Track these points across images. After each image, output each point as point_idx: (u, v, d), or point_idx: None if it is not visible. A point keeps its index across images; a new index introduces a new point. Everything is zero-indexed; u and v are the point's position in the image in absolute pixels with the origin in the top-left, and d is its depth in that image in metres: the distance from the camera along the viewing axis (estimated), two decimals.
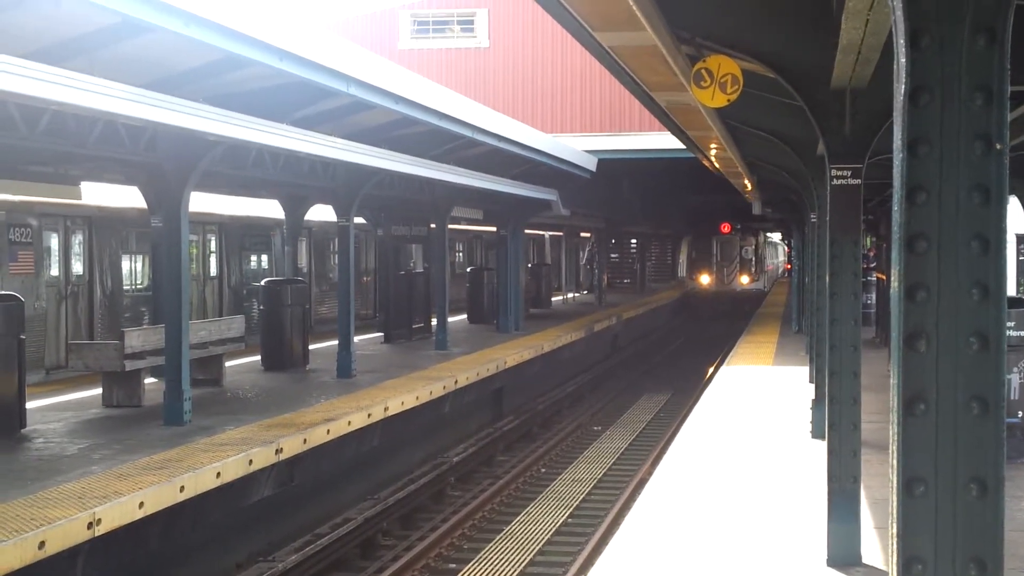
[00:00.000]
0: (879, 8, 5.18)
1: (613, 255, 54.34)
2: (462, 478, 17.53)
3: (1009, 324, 11.70)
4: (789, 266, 51.00)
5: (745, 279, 50.12)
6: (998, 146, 2.30)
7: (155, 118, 10.66)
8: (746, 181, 22.13)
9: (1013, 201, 17.44)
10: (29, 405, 13.46)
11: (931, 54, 2.30)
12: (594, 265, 46.79)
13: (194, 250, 22.70)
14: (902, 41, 2.32)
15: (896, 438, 2.33)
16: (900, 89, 2.33)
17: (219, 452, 11.66)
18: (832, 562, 8.16)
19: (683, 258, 53.95)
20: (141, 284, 21.00)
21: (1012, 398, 11.86)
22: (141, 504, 9.81)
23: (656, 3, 6.76)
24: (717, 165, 21.54)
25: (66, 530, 8.83)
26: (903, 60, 2.32)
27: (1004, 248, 2.33)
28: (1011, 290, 22.11)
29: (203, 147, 13.04)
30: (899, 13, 2.31)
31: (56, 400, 15.36)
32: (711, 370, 27.79)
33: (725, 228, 49.23)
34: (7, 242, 17.15)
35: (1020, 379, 11.96)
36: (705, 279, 50.14)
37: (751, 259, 50.44)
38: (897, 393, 2.33)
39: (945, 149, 2.31)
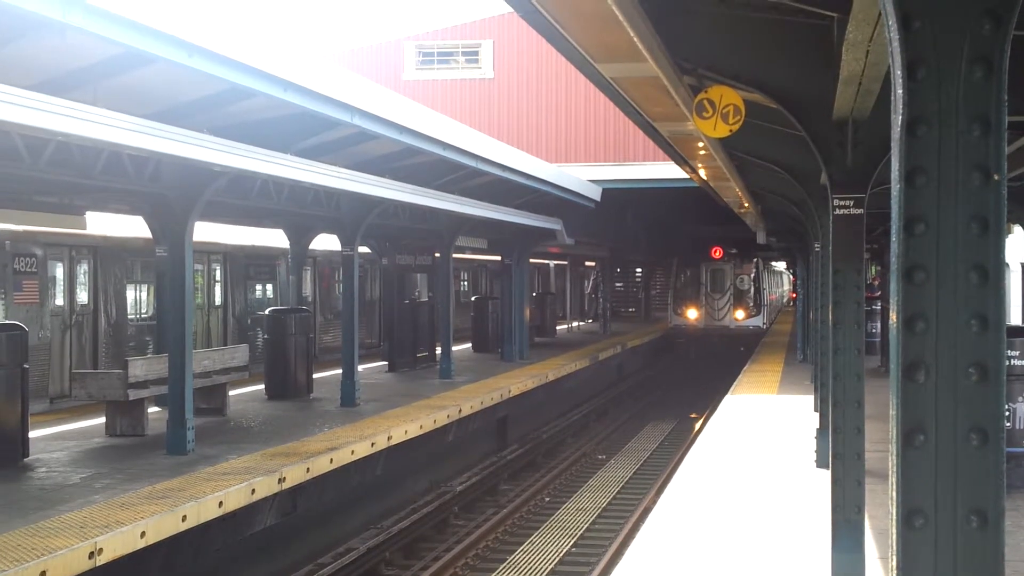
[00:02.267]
0: (879, 39, 5.19)
1: (618, 284, 54.38)
2: (466, 507, 17.46)
3: (1014, 353, 11.71)
4: (795, 295, 50.44)
5: (740, 314, 42.00)
6: (996, 176, 2.30)
7: (160, 149, 10.70)
8: (750, 210, 22.15)
9: (1016, 230, 17.43)
10: (32, 434, 13.45)
11: (928, 85, 2.31)
12: (599, 294, 46.75)
13: (199, 279, 22.73)
14: (899, 72, 2.32)
15: (896, 469, 2.32)
16: (898, 120, 2.34)
17: (222, 481, 11.63)
18: None
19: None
20: (146, 313, 21.02)
21: (1018, 427, 11.80)
22: (143, 534, 9.78)
23: (657, 34, 6.79)
24: (721, 194, 21.58)
25: (67, 560, 8.80)
26: (900, 91, 2.32)
27: (1003, 279, 2.33)
28: (1017, 319, 22.07)
29: (207, 177, 13.08)
30: (896, 44, 2.32)
31: (59, 429, 15.34)
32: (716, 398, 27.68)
33: (716, 253, 42.13)
34: (12, 272, 17.19)
35: None
36: (692, 314, 42.26)
37: (747, 290, 42.41)
38: (896, 424, 2.32)
39: (943, 180, 2.31)
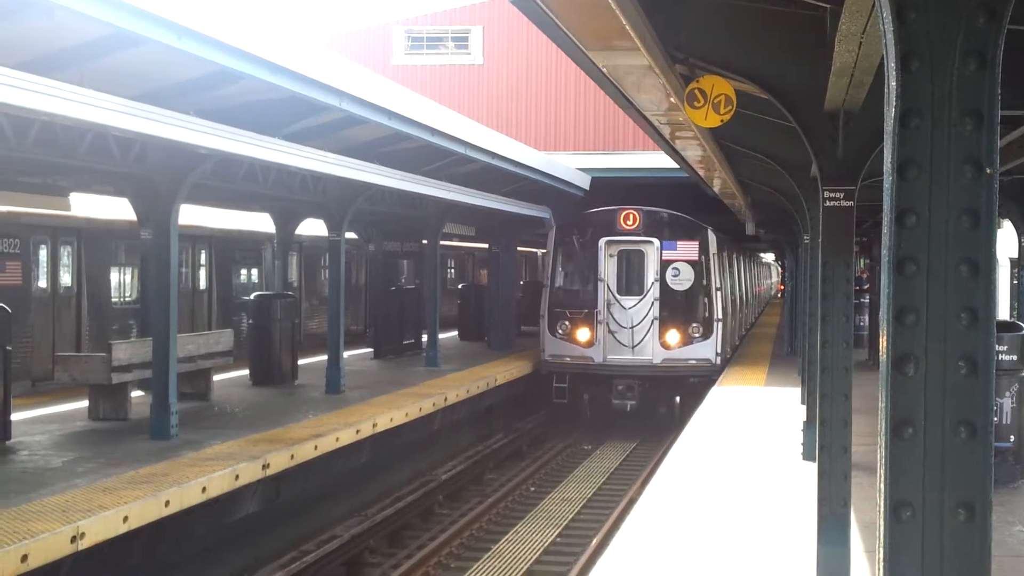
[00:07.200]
0: (872, 31, 5.17)
1: None
2: (451, 496, 17.46)
3: (1001, 348, 11.74)
4: (783, 287, 50.17)
5: (672, 337, 23.60)
6: (988, 170, 2.29)
7: (145, 130, 10.63)
8: (739, 201, 22.16)
9: (1006, 224, 17.47)
10: (14, 417, 13.38)
11: (922, 77, 2.29)
12: None
13: (183, 264, 22.63)
14: (893, 64, 2.31)
15: (884, 462, 2.31)
16: (891, 112, 2.33)
17: (205, 467, 11.59)
18: None
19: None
20: (130, 296, 20.92)
21: (1004, 422, 11.84)
22: (125, 518, 9.74)
23: (649, 23, 6.76)
24: (710, 184, 21.58)
25: (49, 544, 8.75)
26: (894, 83, 2.31)
27: (993, 272, 2.32)
28: (1004, 314, 22.16)
29: (193, 160, 13.01)
30: (890, 36, 2.30)
31: (42, 412, 15.27)
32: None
33: (628, 219, 24.36)
34: None
35: (1012, 403, 11.94)
36: (583, 335, 23.79)
37: (688, 289, 23.99)
38: (885, 416, 2.31)
39: (935, 172, 2.30)
